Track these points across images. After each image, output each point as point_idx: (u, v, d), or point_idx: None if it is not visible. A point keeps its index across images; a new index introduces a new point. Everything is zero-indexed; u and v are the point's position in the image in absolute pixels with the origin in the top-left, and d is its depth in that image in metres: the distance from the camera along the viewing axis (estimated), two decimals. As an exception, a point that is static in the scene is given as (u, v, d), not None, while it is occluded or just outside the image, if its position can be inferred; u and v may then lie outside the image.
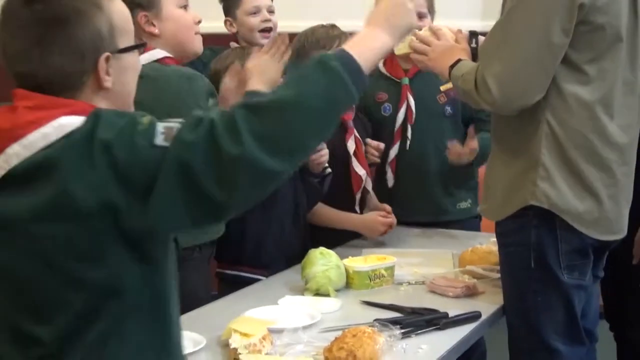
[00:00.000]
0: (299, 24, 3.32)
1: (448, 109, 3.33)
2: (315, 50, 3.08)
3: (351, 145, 3.16)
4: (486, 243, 2.96)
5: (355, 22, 3.90)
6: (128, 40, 1.57)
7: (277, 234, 2.95)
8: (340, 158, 3.10)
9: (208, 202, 1.42)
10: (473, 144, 3.21)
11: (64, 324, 1.47)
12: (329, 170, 3.08)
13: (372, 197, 3.35)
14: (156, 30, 2.59)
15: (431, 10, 3.32)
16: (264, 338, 2.11)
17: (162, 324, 1.55)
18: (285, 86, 1.48)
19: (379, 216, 3.14)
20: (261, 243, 2.91)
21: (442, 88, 3.12)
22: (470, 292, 2.57)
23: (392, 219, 3.14)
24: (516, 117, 2.33)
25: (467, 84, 2.33)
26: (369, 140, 3.26)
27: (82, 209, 1.43)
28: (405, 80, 3.33)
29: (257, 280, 2.83)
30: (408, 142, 3.30)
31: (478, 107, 2.41)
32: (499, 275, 2.68)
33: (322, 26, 3.15)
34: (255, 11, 3.49)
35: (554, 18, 2.21)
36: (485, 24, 4.26)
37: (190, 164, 1.39)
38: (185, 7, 2.70)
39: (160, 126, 1.44)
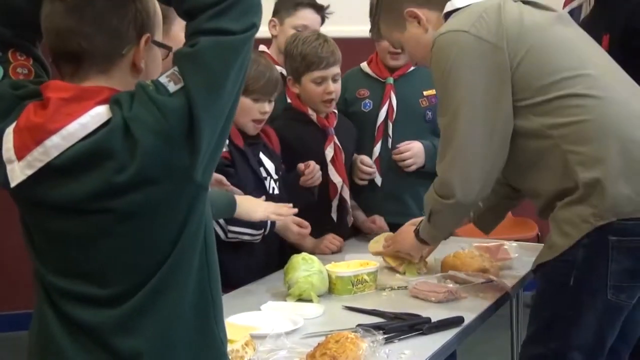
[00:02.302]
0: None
1: (429, 113, 3.38)
2: (298, 64, 3.09)
3: (329, 153, 3.17)
4: (468, 248, 2.97)
5: (346, 27, 3.93)
6: (160, 37, 1.66)
7: (262, 262, 2.93)
8: (318, 164, 3.10)
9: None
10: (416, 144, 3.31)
11: (126, 284, 1.56)
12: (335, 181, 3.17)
13: (360, 214, 3.37)
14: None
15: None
16: (246, 344, 2.10)
17: (207, 272, 1.62)
18: None
19: (326, 239, 3.15)
20: (249, 270, 2.87)
21: (425, 93, 3.27)
22: (453, 297, 2.57)
23: (336, 245, 3.16)
24: (535, 170, 2.39)
25: (429, 203, 2.55)
26: (360, 162, 3.29)
27: (134, 183, 1.50)
28: (390, 80, 3.37)
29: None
30: (390, 140, 3.34)
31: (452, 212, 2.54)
32: (481, 280, 2.69)
33: (317, 37, 3.12)
34: (302, 29, 3.42)
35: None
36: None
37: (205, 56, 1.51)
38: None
39: (162, 77, 1.53)
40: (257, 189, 2.88)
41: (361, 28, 3.52)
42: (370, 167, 3.31)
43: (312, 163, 3.06)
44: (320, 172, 3.08)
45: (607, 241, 2.26)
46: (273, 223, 2.87)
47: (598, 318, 2.31)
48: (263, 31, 3.51)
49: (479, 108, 2.35)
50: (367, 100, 3.39)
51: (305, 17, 3.44)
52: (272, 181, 2.97)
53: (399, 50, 3.20)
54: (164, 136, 1.49)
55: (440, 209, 2.52)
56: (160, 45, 1.65)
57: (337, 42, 3.18)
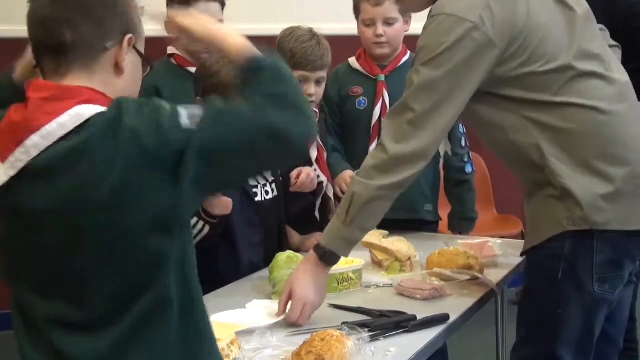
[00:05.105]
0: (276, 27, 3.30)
1: None
2: (286, 60, 3.07)
3: (313, 153, 3.17)
4: (453, 245, 2.97)
5: (331, 25, 3.94)
6: (142, 46, 1.66)
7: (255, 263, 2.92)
8: (301, 164, 3.09)
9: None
10: None
11: (104, 307, 1.54)
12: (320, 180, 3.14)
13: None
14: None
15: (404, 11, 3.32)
16: (232, 342, 2.10)
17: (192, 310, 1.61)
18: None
19: (314, 237, 3.10)
20: (239, 272, 2.87)
21: None
22: (438, 295, 2.57)
23: None
24: (514, 159, 2.36)
25: (363, 193, 2.32)
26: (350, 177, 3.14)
27: (112, 195, 1.48)
28: (381, 77, 3.37)
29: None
30: None
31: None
32: (466, 277, 2.69)
33: (310, 38, 3.10)
34: None
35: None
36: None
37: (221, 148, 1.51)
38: None
39: (184, 111, 1.51)
40: (243, 199, 2.86)
41: (345, 26, 3.52)
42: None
43: (303, 171, 3.04)
44: (313, 180, 3.06)
45: (592, 232, 2.27)
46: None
47: (585, 312, 2.32)
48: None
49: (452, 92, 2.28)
50: (361, 98, 3.38)
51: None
52: (267, 185, 2.95)
53: (383, 40, 3.29)
54: (153, 161, 1.48)
55: (381, 194, 2.33)
56: (142, 55, 1.65)
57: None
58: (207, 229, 2.77)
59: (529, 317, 2.42)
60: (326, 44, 3.14)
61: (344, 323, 2.25)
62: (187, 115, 1.50)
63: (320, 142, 3.20)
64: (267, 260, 2.82)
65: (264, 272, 2.72)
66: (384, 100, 3.35)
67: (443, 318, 2.37)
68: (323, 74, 3.14)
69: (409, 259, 2.87)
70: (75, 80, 1.57)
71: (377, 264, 2.90)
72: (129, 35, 1.60)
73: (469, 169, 3.46)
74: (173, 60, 3.29)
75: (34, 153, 1.50)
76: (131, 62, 1.62)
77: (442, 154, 3.40)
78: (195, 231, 2.71)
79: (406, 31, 3.38)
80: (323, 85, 3.17)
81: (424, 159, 2.33)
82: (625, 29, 2.46)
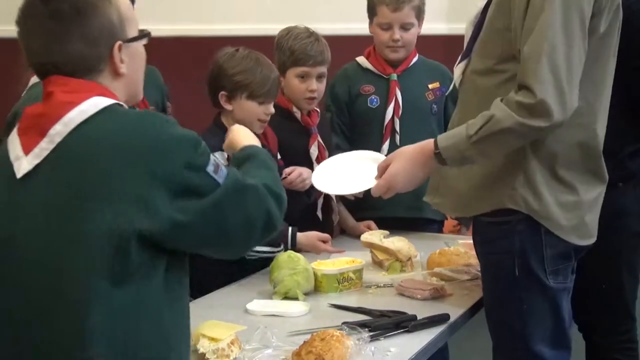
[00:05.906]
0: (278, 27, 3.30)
1: (435, 107, 3.41)
2: (286, 58, 3.08)
3: (314, 152, 3.17)
4: (453, 245, 2.97)
5: (331, 25, 3.95)
6: (135, 30, 1.70)
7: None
8: (302, 163, 3.09)
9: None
10: None
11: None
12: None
13: (348, 217, 3.36)
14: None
15: (420, 16, 3.34)
16: (232, 343, 2.10)
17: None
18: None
19: (317, 240, 3.07)
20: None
21: (430, 86, 3.38)
22: (439, 295, 2.58)
23: (324, 247, 3.08)
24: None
25: (504, 120, 2.13)
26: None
27: None
28: (394, 76, 3.37)
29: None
30: (397, 137, 3.33)
31: (532, 134, 2.16)
32: (467, 277, 2.70)
33: (309, 35, 3.12)
34: None
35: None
36: (450, 27, 4.30)
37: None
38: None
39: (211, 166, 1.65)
40: None
41: (346, 26, 3.53)
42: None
43: (297, 169, 3.04)
44: (304, 180, 3.06)
45: (539, 226, 2.27)
46: (294, 238, 2.87)
47: (550, 304, 2.32)
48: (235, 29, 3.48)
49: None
50: (373, 97, 3.38)
51: None
52: None
53: (399, 44, 3.31)
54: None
55: (519, 130, 2.12)
56: (136, 39, 1.70)
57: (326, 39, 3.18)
58: None
59: (497, 320, 2.40)
60: (324, 41, 3.16)
61: (344, 323, 2.25)
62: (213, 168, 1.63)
63: (322, 142, 3.20)
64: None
65: (265, 273, 2.72)
66: (396, 100, 3.35)
67: (443, 318, 2.37)
68: (324, 69, 3.15)
69: (410, 258, 2.87)
70: None
71: (378, 264, 2.90)
72: (118, 43, 1.65)
73: None
74: None
75: (57, 140, 1.57)
76: (128, 56, 1.67)
77: None
78: None
79: (418, 33, 3.39)
80: (324, 82, 3.18)
81: None
82: (626, 28, 2.45)
